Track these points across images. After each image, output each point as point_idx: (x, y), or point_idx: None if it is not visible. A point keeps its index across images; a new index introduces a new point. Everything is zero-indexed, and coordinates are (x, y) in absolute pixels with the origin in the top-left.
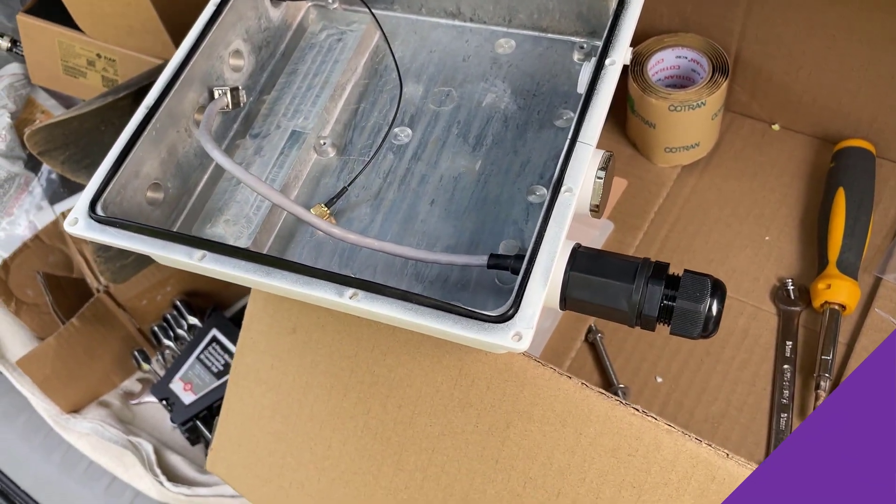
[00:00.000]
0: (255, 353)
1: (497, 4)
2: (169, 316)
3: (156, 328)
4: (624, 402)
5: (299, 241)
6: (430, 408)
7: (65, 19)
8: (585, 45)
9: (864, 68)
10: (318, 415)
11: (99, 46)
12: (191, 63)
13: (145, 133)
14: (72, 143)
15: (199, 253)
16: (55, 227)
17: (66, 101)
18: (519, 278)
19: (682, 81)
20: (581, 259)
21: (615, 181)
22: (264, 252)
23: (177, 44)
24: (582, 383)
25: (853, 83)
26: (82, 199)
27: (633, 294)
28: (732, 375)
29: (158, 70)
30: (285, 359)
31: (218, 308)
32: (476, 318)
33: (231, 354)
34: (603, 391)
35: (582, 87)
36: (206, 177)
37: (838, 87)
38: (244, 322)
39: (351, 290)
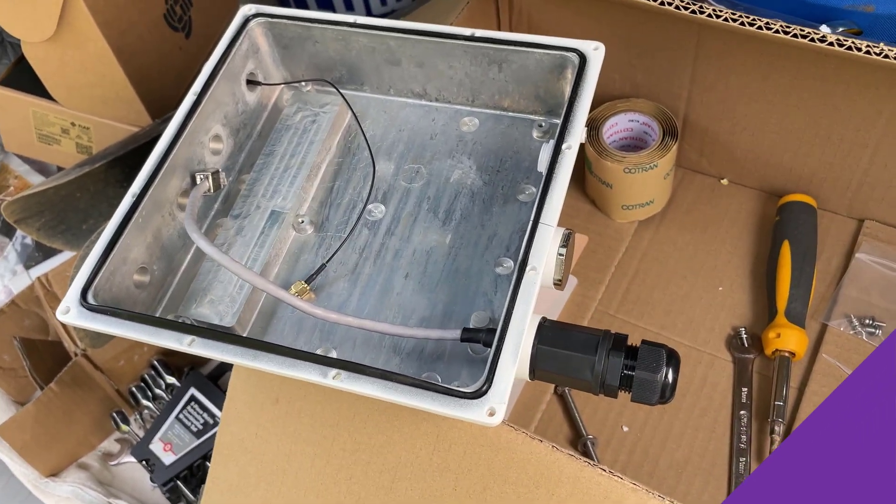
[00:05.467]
0: (239, 422)
1: (460, 87)
2: (147, 376)
3: (134, 388)
4: (592, 463)
5: (281, 318)
6: (409, 473)
7: (38, 89)
8: (544, 124)
9: (801, 130)
10: (302, 482)
11: (73, 115)
12: (173, 152)
13: (132, 221)
14: (47, 210)
15: (188, 338)
16: (31, 292)
17: (40, 166)
18: (490, 356)
19: (635, 143)
20: (547, 333)
21: (577, 238)
22: (248, 328)
23: (150, 111)
24: (553, 446)
25: (793, 142)
26: (73, 288)
27: (596, 365)
28: (693, 423)
29: (133, 138)
30: (269, 428)
31: (195, 366)
32: (452, 395)
33: (209, 413)
34: (573, 453)
35: (542, 167)
36: (189, 257)
37: (779, 146)
38: (228, 393)
39: (334, 371)
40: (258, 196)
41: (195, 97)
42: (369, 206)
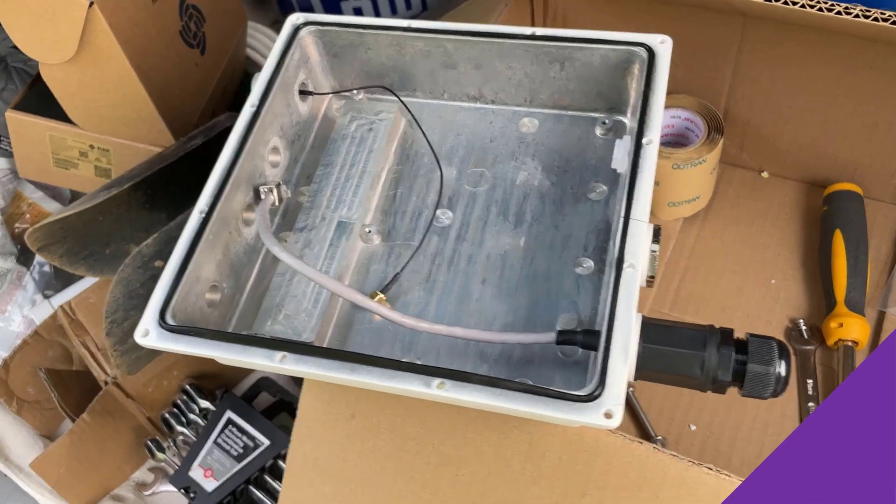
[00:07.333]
0: (312, 441)
1: (518, 87)
2: (179, 401)
3: (167, 415)
4: (697, 462)
5: (359, 330)
6: (501, 484)
7: (54, 112)
8: (607, 121)
9: (847, 118)
10: (383, 499)
11: (92, 137)
12: (237, 166)
13: (203, 238)
14: (70, 236)
15: (279, 354)
16: (53, 321)
17: (54, 192)
18: (600, 356)
19: (677, 139)
20: (651, 331)
21: None
22: (326, 342)
23: (172, 130)
24: (654, 447)
25: (838, 132)
26: (150, 310)
27: (707, 361)
28: (762, 418)
29: (160, 158)
30: (345, 445)
31: (228, 388)
32: (566, 399)
33: (248, 435)
34: (676, 454)
35: (617, 164)
36: (255, 273)
37: (823, 136)
38: (299, 411)
39: (438, 380)
40: (322, 207)
41: (253, 109)
42: (436, 213)
